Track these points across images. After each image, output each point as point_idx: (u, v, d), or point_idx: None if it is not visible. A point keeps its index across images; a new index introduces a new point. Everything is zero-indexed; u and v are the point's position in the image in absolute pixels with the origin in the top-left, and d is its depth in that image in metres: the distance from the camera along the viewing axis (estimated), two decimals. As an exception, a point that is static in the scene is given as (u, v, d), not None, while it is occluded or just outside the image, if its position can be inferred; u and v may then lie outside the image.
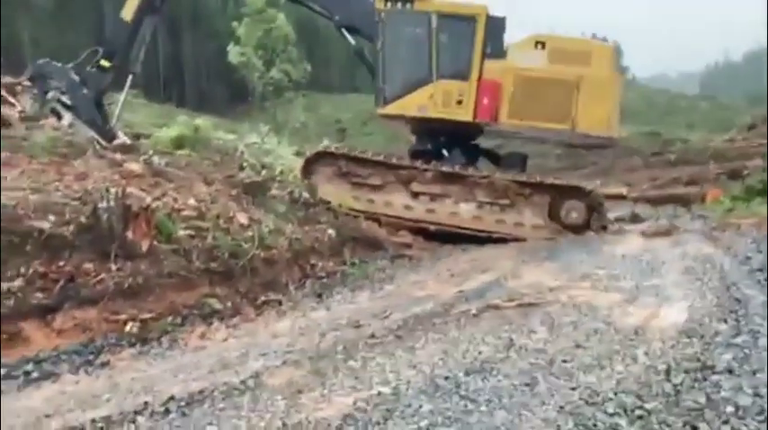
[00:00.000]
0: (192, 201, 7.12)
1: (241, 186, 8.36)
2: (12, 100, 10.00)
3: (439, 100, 10.89)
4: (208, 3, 60.31)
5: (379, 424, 3.19)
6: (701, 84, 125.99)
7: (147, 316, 5.28)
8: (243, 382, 3.84)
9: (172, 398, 3.62)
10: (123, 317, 5.17)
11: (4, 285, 4.78)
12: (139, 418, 3.39)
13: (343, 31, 11.47)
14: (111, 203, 5.56)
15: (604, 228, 10.79)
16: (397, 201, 10.84)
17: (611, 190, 17.94)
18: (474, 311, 5.31)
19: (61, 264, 5.18)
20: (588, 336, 4.51)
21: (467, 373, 3.83)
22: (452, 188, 10.73)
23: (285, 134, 21.92)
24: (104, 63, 10.72)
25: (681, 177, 22.68)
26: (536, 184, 10.68)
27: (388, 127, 16.27)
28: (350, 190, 10.87)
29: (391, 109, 11.29)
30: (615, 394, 3.42)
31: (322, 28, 42.44)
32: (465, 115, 10.86)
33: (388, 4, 11.00)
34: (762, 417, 3.09)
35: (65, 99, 10.42)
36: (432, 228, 10.60)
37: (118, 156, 8.19)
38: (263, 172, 10.33)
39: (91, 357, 4.58)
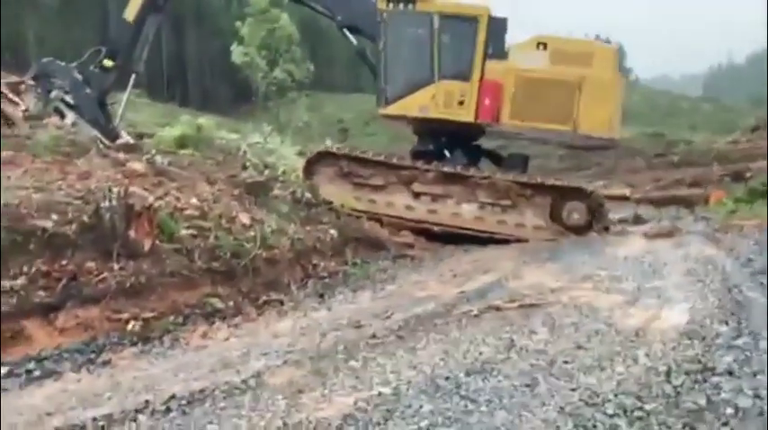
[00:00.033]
0: (194, 201, 7.13)
1: (244, 186, 8.36)
2: (15, 99, 10.03)
3: (440, 100, 10.88)
4: (211, 2, 60.45)
5: (379, 424, 3.20)
6: (703, 86, 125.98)
7: (149, 315, 5.29)
8: (244, 382, 3.84)
9: (173, 396, 3.63)
10: (125, 315, 5.17)
11: (7, 283, 4.80)
12: (140, 417, 3.40)
13: (345, 31, 11.48)
14: (114, 202, 5.57)
15: (606, 229, 10.79)
16: (398, 202, 10.84)
17: (614, 191, 17.96)
18: (475, 312, 5.30)
19: (64, 262, 5.20)
20: (589, 338, 4.51)
21: (467, 374, 3.84)
22: (454, 189, 10.72)
23: (288, 134, 21.90)
24: (107, 62, 10.75)
25: (684, 179, 22.69)
26: (537, 185, 10.67)
27: (391, 127, 16.26)
28: (351, 190, 10.87)
29: (393, 109, 11.30)
30: (615, 395, 3.42)
31: (325, 28, 42.31)
32: (466, 116, 10.86)
33: (390, 5, 11.00)
34: (762, 419, 3.09)
35: (68, 98, 10.45)
36: (436, 228, 10.60)
37: (121, 156, 8.20)
38: (266, 172, 10.35)
39: (93, 356, 4.59)
